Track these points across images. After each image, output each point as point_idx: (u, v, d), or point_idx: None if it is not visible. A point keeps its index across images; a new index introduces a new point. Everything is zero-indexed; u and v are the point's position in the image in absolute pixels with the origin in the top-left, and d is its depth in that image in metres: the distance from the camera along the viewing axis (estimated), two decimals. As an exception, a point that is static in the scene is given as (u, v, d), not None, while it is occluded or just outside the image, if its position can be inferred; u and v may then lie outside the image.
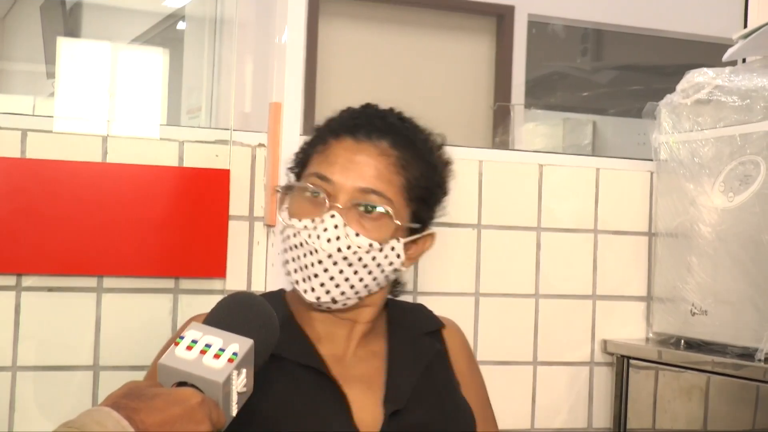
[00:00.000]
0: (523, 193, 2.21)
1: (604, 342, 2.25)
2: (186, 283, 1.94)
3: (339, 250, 1.51)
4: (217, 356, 1.19)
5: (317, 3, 4.80)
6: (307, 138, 1.68)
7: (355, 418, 1.51)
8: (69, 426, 1.07)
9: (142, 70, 2.36)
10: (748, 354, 1.92)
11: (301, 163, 1.64)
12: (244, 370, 1.22)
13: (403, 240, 1.57)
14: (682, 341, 2.13)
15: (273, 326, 1.33)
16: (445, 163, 1.70)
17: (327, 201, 1.53)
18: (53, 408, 1.86)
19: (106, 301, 1.89)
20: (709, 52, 2.60)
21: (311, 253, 1.53)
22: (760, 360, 1.87)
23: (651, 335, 2.27)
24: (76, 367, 1.88)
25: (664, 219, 2.22)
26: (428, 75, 5.03)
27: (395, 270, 1.59)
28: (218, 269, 1.95)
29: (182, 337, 1.21)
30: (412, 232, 1.60)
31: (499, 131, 5.00)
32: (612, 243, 2.27)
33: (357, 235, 1.52)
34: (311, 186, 1.55)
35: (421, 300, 2.10)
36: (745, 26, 2.50)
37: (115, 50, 2.32)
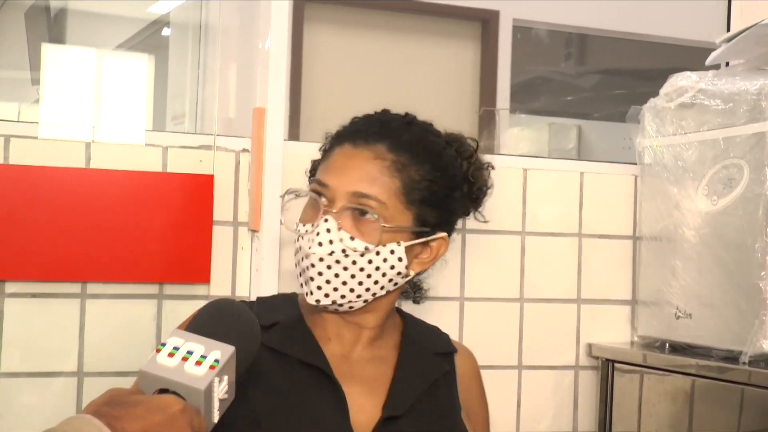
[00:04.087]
0: (507, 197, 2.21)
1: (589, 346, 2.25)
2: (170, 289, 1.94)
3: (331, 253, 1.52)
4: (198, 363, 1.19)
5: (302, 9, 4.80)
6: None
7: (353, 420, 1.51)
8: (50, 433, 1.07)
9: (127, 76, 2.36)
10: (732, 357, 1.92)
11: (315, 168, 1.67)
12: (225, 377, 1.21)
13: (404, 243, 1.56)
14: (667, 345, 2.14)
15: (254, 333, 1.34)
16: (469, 167, 1.69)
17: (323, 206, 1.54)
18: (37, 414, 1.85)
19: (90, 307, 1.89)
20: (692, 56, 2.61)
21: (306, 257, 1.54)
22: (744, 363, 1.88)
23: (636, 339, 2.27)
24: (60, 374, 1.87)
25: (648, 223, 2.23)
26: (413, 80, 5.03)
27: (399, 274, 1.57)
28: (202, 275, 1.95)
29: (164, 344, 1.21)
30: (419, 235, 1.59)
31: (484, 136, 5.00)
32: (596, 247, 2.28)
33: (352, 238, 1.52)
34: (310, 192, 1.58)
35: (406, 305, 2.10)
36: (728, 30, 2.52)
37: (99, 56, 2.32)
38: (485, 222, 1.78)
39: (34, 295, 1.85)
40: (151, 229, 1.91)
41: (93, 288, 1.89)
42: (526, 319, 2.22)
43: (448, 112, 5.13)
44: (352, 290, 1.55)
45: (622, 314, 2.29)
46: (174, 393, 1.17)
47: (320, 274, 1.53)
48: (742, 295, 1.93)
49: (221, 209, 1.97)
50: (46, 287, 1.86)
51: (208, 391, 1.18)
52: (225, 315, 1.32)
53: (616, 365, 2.19)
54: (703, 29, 3.00)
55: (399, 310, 1.75)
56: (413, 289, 1.78)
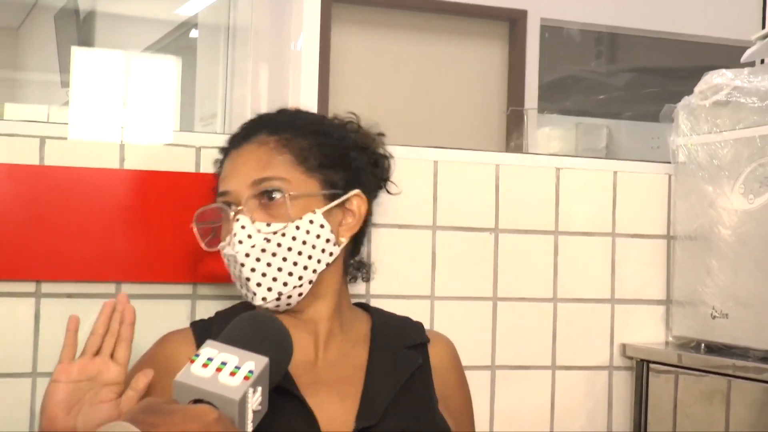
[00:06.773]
0: (540, 196, 2.21)
1: (623, 346, 2.24)
2: (203, 289, 1.94)
3: (254, 246, 1.54)
4: (233, 374, 1.19)
5: (329, 9, 4.80)
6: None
7: None
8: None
9: (155, 78, 2.37)
10: (769, 357, 1.91)
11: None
12: (259, 389, 1.22)
13: (320, 210, 1.58)
14: (703, 345, 2.12)
15: (287, 344, 1.34)
16: (348, 129, 1.73)
17: (232, 212, 1.57)
18: (72, 415, 1.85)
19: (125, 308, 1.89)
20: (726, 54, 2.60)
21: (234, 261, 1.57)
22: (782, 363, 1.87)
23: (670, 339, 2.26)
24: (95, 374, 1.87)
25: (682, 222, 2.21)
26: (441, 80, 5.02)
27: (329, 241, 1.59)
28: (236, 275, 1.94)
29: (198, 355, 1.21)
30: (332, 198, 1.61)
31: (513, 136, 4.99)
32: (630, 246, 2.26)
33: (268, 224, 1.55)
34: (220, 204, 1.62)
35: (438, 305, 2.10)
36: (764, 27, 2.50)
37: (128, 58, 2.33)
38: (398, 193, 1.80)
39: (69, 296, 1.86)
40: (185, 229, 1.90)
41: (127, 288, 1.89)
42: (559, 319, 2.21)
43: (476, 111, 5.12)
44: (290, 273, 1.56)
45: (656, 314, 2.28)
46: (209, 403, 1.18)
47: (253, 270, 1.55)
48: (779, 295, 1.92)
49: (254, 209, 1.97)
50: (81, 287, 1.87)
51: (242, 401, 1.18)
52: (258, 325, 1.33)
53: (651, 366, 2.17)
54: (738, 26, 2.97)
55: (365, 306, 1.75)
56: (358, 269, 1.76)
